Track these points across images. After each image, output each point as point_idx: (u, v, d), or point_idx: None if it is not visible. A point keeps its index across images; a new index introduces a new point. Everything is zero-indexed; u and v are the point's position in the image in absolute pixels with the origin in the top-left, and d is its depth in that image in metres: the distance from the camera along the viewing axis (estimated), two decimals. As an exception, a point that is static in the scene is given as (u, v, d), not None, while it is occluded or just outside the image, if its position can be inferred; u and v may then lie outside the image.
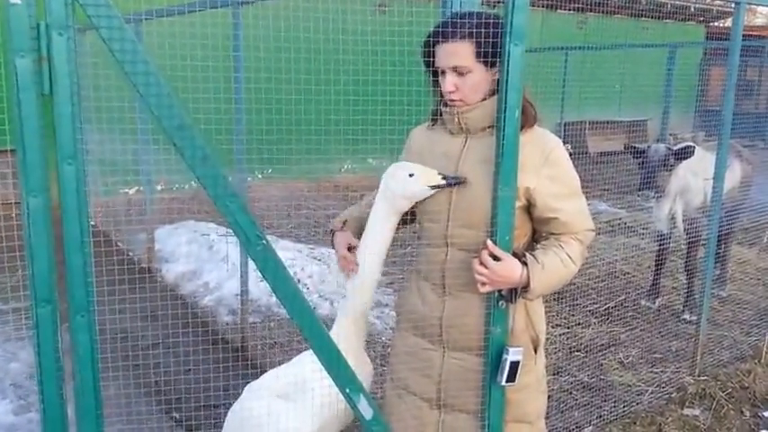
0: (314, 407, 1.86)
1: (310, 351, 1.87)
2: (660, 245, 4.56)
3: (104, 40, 1.35)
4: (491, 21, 1.63)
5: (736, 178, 4.46)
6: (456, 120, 1.73)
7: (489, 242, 1.66)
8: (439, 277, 1.78)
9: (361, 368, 1.95)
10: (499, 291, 1.70)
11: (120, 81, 1.54)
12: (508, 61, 1.59)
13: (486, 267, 1.64)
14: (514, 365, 1.72)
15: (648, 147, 4.23)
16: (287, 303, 1.63)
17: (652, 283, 4.71)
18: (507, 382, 1.72)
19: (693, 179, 4.19)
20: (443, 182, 1.71)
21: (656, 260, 4.66)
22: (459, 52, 1.66)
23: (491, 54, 1.63)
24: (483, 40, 1.62)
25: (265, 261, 1.57)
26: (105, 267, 1.72)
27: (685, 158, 4.06)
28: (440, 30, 1.69)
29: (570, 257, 1.70)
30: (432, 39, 1.71)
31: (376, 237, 1.83)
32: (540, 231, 1.78)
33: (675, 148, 4.15)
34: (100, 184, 5.67)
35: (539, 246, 1.75)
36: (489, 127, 1.70)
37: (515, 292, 1.70)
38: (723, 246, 4.75)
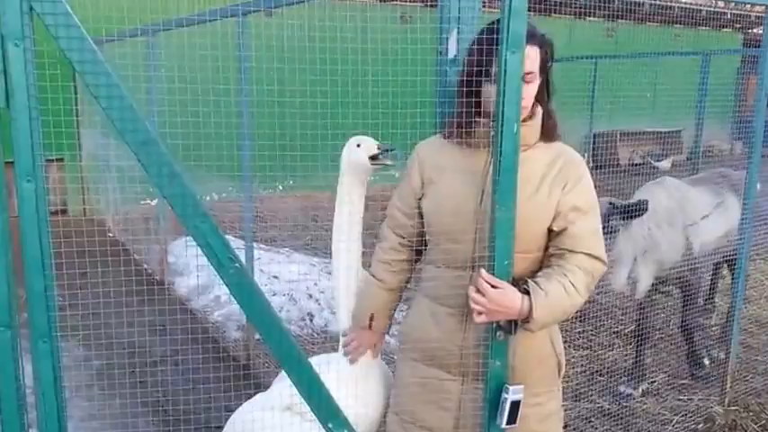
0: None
1: (321, 365, 1.77)
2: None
3: (63, 51, 1.27)
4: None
5: (731, 220, 3.57)
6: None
7: (483, 272, 1.52)
8: (460, 303, 1.63)
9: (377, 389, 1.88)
10: (497, 321, 1.56)
11: (137, 92, 1.49)
12: (505, 70, 1.46)
13: (483, 296, 1.51)
14: (515, 406, 1.57)
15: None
16: (262, 331, 1.52)
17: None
18: (508, 424, 1.57)
19: (659, 231, 3.35)
20: (378, 152, 1.82)
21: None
22: (531, 57, 1.57)
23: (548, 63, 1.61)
24: (548, 48, 1.61)
25: (239, 286, 1.47)
26: (113, 278, 1.66)
27: (638, 216, 3.13)
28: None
29: (574, 286, 1.55)
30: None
31: (349, 216, 1.88)
32: (546, 249, 1.65)
33: (621, 204, 3.19)
34: (119, 194, 5.69)
35: (540, 273, 1.60)
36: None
37: (515, 324, 1.56)
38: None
